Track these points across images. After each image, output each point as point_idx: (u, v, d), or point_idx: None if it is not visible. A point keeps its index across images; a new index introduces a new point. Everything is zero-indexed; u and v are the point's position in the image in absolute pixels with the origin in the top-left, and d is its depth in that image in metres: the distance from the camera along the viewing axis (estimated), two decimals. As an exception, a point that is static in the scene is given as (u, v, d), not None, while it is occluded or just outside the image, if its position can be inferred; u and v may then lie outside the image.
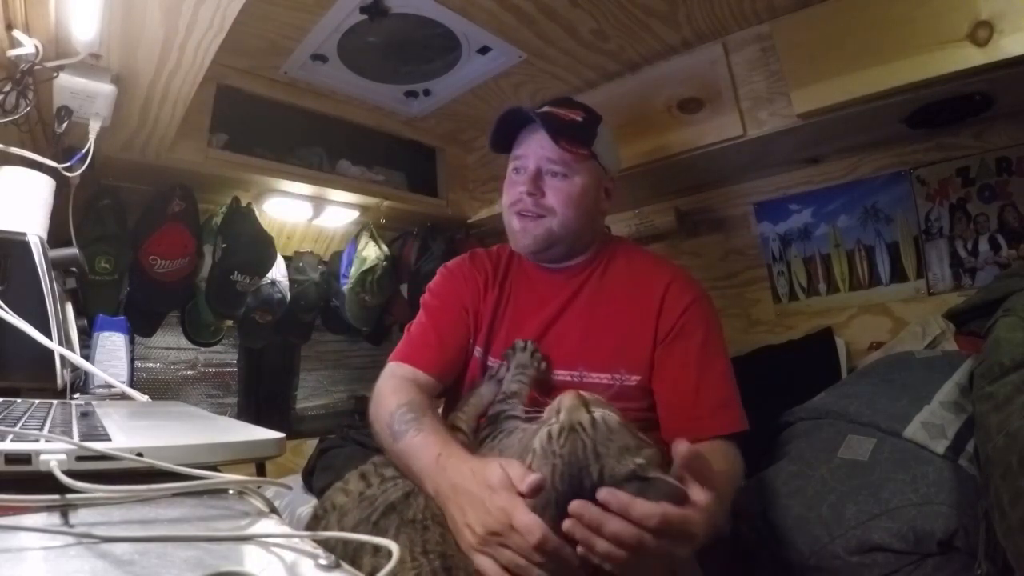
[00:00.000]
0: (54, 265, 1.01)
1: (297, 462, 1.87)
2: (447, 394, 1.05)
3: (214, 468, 0.49)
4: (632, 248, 1.12)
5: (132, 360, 1.35)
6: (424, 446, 0.79)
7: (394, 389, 0.93)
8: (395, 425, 0.84)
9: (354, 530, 0.72)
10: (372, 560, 0.61)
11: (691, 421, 0.89)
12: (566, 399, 0.65)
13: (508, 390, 0.91)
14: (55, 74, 1.10)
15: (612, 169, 1.08)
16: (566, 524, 0.58)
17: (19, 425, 0.52)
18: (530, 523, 0.59)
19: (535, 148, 1.00)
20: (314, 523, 0.84)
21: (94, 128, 1.19)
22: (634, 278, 1.02)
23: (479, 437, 0.87)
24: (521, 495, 0.61)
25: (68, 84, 1.11)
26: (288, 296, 1.97)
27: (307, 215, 2.00)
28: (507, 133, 1.04)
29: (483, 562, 0.64)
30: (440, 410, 1.02)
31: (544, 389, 0.93)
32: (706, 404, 0.90)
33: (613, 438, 0.60)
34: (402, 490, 0.77)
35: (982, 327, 1.03)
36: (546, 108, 1.01)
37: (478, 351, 1.04)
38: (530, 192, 0.99)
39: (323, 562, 0.34)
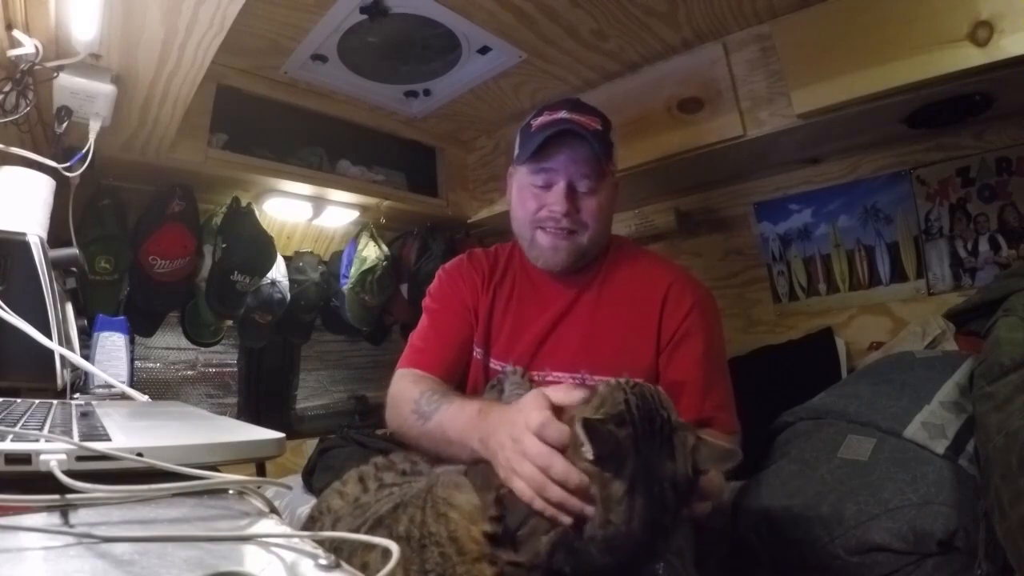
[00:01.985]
0: (54, 265, 1.01)
1: (297, 462, 1.87)
2: None
3: (214, 468, 0.49)
4: (634, 249, 1.12)
5: (132, 360, 1.34)
6: (461, 409, 0.81)
7: (412, 383, 0.94)
8: (423, 407, 0.86)
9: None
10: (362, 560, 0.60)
11: (696, 425, 0.90)
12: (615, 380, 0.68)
13: (507, 401, 0.92)
14: (55, 74, 1.10)
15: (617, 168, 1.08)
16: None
17: (19, 425, 0.52)
18: (536, 413, 0.64)
19: (566, 163, 0.97)
20: (310, 525, 0.84)
21: (94, 128, 1.19)
22: (636, 280, 1.02)
23: None
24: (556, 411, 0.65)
25: (68, 84, 1.11)
26: (288, 296, 1.97)
27: (307, 215, 2.00)
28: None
29: (517, 484, 0.65)
30: None
31: None
32: (710, 407, 0.91)
33: (668, 400, 0.64)
34: (392, 502, 0.76)
35: (982, 327, 1.03)
36: (564, 113, 0.98)
37: (478, 352, 1.04)
38: (567, 212, 0.97)
39: (323, 562, 0.34)
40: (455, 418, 0.81)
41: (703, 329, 0.95)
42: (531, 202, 1.00)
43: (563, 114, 0.98)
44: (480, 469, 0.72)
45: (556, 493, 0.61)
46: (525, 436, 0.65)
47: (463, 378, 1.05)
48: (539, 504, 0.62)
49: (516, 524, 0.62)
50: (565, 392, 0.68)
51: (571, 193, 0.97)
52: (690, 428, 0.61)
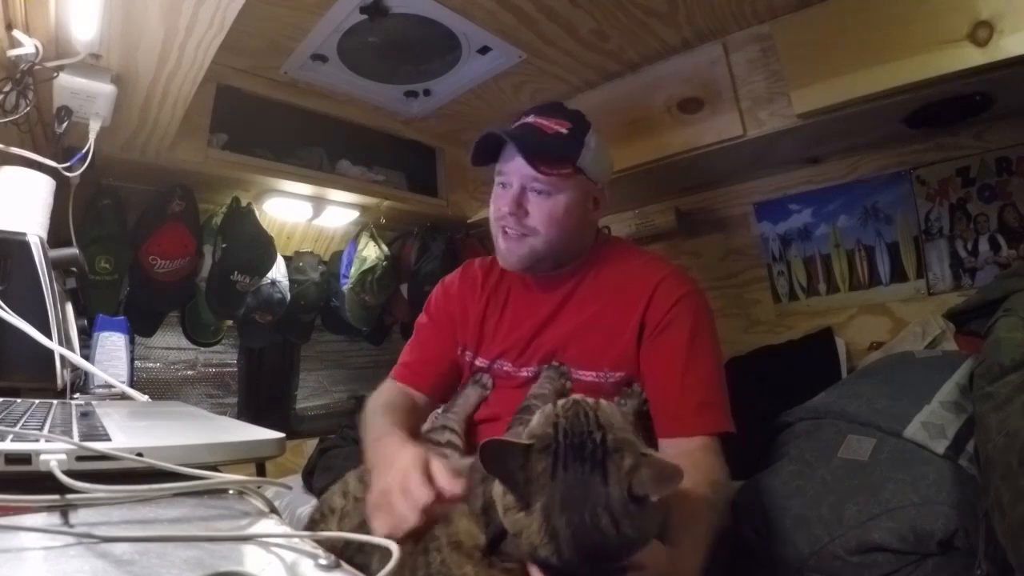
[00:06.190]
0: (54, 265, 1.01)
1: (297, 462, 1.87)
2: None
3: (214, 468, 0.49)
4: (628, 248, 1.11)
5: (132, 360, 1.35)
6: (376, 426, 0.92)
7: (380, 393, 1.04)
8: (366, 420, 0.97)
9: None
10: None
11: (674, 419, 0.89)
12: (574, 394, 0.66)
13: (535, 392, 0.93)
14: (55, 74, 1.10)
15: (603, 178, 1.04)
16: None
17: (19, 425, 0.52)
18: (420, 492, 0.67)
19: (517, 166, 0.96)
20: (312, 527, 0.84)
21: (94, 128, 1.19)
22: (625, 276, 1.01)
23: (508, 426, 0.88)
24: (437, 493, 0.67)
25: (68, 84, 1.11)
26: (288, 296, 1.97)
27: (307, 215, 2.00)
28: (489, 145, 1.01)
29: (375, 523, 0.70)
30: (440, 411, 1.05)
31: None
32: (689, 402, 0.89)
33: (615, 417, 0.61)
34: None
35: (982, 327, 1.03)
36: (532, 118, 0.99)
37: (468, 354, 1.07)
38: (512, 212, 0.97)
39: (323, 562, 0.34)
40: (370, 430, 0.92)
41: (689, 321, 0.94)
42: (494, 203, 1.03)
43: (530, 118, 0.99)
44: (467, 478, 0.70)
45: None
46: (394, 494, 0.70)
47: (450, 388, 1.09)
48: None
49: (496, 532, 0.61)
50: (448, 480, 0.69)
51: (522, 194, 0.98)
52: (632, 447, 0.57)
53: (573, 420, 0.58)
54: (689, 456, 0.83)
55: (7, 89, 1.04)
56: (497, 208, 1.01)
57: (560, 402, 0.62)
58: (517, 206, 0.97)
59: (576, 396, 0.63)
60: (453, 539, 0.64)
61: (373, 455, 0.84)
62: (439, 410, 1.06)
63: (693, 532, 0.71)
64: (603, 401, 0.62)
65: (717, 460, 0.86)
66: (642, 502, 0.55)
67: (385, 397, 1.02)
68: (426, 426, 1.02)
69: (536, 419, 0.62)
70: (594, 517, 0.53)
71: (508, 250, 1.01)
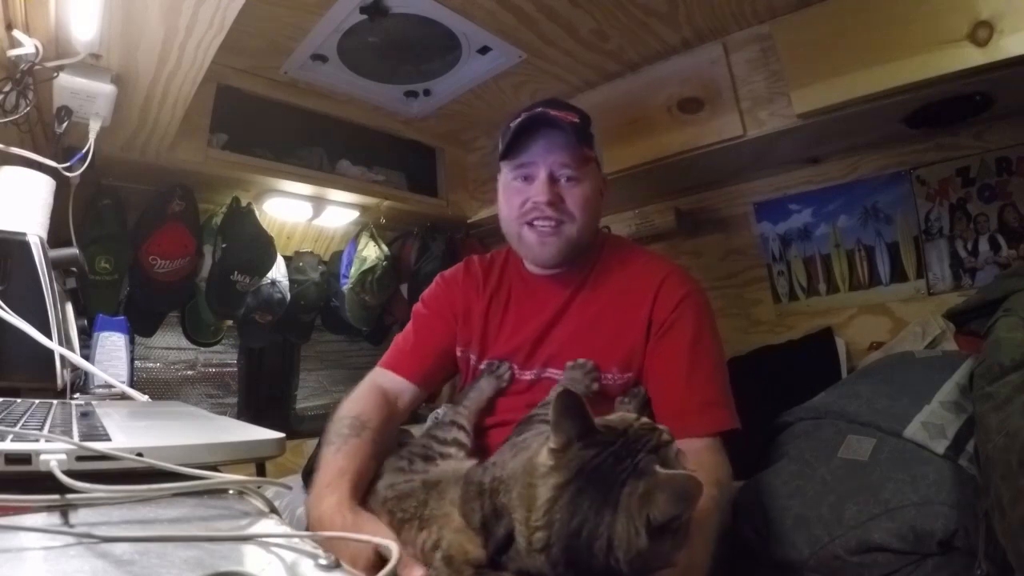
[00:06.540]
0: (54, 265, 1.01)
1: (297, 462, 1.87)
2: (433, 398, 1.06)
3: (214, 468, 0.49)
4: (629, 247, 1.11)
5: (132, 360, 1.35)
6: (329, 466, 0.81)
7: (358, 397, 0.98)
8: (330, 433, 0.89)
9: None
10: None
11: (678, 419, 0.88)
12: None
13: (549, 399, 0.91)
14: (55, 74, 1.10)
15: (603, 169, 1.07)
16: None
17: (19, 425, 0.52)
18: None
19: (544, 154, 0.96)
20: None
21: (94, 128, 1.19)
22: (629, 276, 1.01)
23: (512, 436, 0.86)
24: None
25: (68, 84, 1.11)
26: (288, 296, 1.97)
27: (307, 215, 2.00)
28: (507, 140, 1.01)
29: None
30: (442, 408, 1.03)
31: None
32: (694, 401, 0.89)
33: (676, 463, 0.59)
34: (387, 512, 0.76)
35: (982, 327, 1.03)
36: (540, 110, 0.98)
37: (472, 357, 1.04)
38: (550, 201, 0.95)
39: (323, 562, 0.34)
40: (322, 469, 0.82)
41: (693, 320, 0.94)
42: (515, 198, 0.99)
43: (539, 109, 0.98)
44: (464, 491, 0.69)
45: None
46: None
47: (456, 380, 1.06)
48: None
49: (500, 542, 0.60)
50: (409, 567, 0.63)
51: (553, 183, 0.96)
52: (649, 474, 0.53)
53: (638, 435, 0.57)
54: (695, 455, 0.82)
55: (7, 89, 1.04)
56: (523, 201, 0.98)
57: (643, 418, 0.61)
58: (555, 194, 0.95)
59: (663, 426, 0.60)
60: (444, 553, 0.64)
61: (315, 504, 0.76)
62: (440, 410, 1.05)
63: (702, 532, 0.70)
64: (680, 448, 0.60)
65: (721, 459, 0.87)
66: (664, 530, 0.52)
67: (359, 408, 0.93)
68: (427, 423, 1.02)
69: (617, 414, 0.61)
70: (591, 535, 0.52)
71: (543, 243, 0.97)
